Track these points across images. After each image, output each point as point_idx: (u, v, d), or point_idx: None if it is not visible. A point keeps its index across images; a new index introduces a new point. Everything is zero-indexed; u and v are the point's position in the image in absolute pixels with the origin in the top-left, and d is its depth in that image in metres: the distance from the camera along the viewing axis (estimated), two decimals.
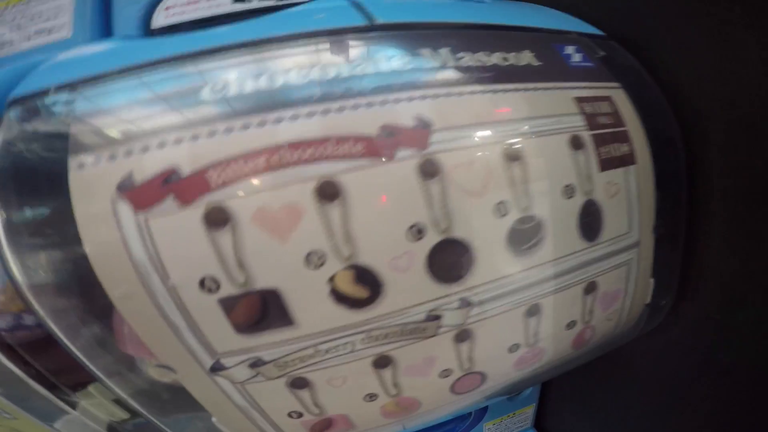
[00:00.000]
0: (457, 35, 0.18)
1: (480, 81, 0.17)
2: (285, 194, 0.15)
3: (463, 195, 0.17)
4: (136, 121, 0.15)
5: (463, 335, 0.21)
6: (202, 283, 0.16)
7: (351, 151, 0.15)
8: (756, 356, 0.24)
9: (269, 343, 0.18)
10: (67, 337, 0.17)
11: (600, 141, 0.19)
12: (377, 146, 0.16)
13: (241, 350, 0.18)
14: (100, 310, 0.17)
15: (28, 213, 0.15)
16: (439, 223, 0.17)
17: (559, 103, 0.18)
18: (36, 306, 0.16)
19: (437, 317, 0.19)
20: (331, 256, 0.16)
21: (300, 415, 0.22)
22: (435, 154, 0.16)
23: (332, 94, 0.16)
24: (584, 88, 0.19)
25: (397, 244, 0.17)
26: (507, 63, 0.18)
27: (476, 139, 0.17)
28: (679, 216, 0.23)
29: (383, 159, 0.16)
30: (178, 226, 0.15)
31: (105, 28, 0.21)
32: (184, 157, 0.15)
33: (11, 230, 0.15)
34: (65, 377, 0.21)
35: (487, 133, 0.17)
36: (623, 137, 0.20)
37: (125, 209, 0.14)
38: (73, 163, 0.15)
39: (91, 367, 0.18)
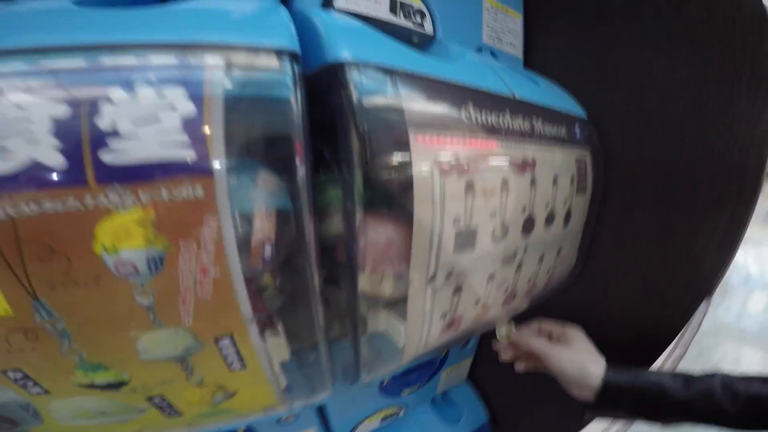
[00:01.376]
0: (543, 113, 0.41)
1: (549, 142, 0.40)
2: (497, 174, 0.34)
3: (540, 196, 0.39)
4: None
5: (518, 267, 0.41)
6: (454, 221, 0.32)
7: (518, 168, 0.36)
8: (623, 304, 0.50)
9: (460, 259, 0.34)
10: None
11: (578, 180, 0.44)
12: (523, 167, 0.36)
13: (447, 264, 0.34)
14: (402, 231, 0.31)
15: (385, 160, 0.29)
16: (529, 206, 0.38)
17: (570, 158, 0.43)
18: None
19: (516, 254, 0.39)
20: (498, 214, 0.35)
21: (445, 316, 0.37)
22: (536, 176, 0.38)
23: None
24: (579, 150, 0.44)
25: (519, 212, 0.37)
26: (558, 134, 0.41)
27: (547, 171, 0.39)
28: (592, 222, 0.50)
29: (526, 172, 0.36)
30: (456, 187, 0.32)
31: None
32: (462, 152, 0.32)
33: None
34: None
35: (551, 169, 0.40)
36: (584, 179, 0.46)
37: (437, 173, 0.30)
38: (412, 136, 0.29)
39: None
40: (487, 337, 0.69)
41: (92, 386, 0.25)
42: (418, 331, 0.36)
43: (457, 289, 0.36)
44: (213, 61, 0.23)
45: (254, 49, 0.25)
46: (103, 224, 0.20)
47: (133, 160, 0.20)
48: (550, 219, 0.42)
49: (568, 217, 0.45)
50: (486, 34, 0.46)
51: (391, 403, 0.65)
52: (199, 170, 0.21)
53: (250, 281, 0.25)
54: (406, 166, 0.29)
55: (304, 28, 0.29)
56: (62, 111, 0.20)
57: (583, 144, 0.45)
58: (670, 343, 0.51)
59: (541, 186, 0.39)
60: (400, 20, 0.42)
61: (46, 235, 0.19)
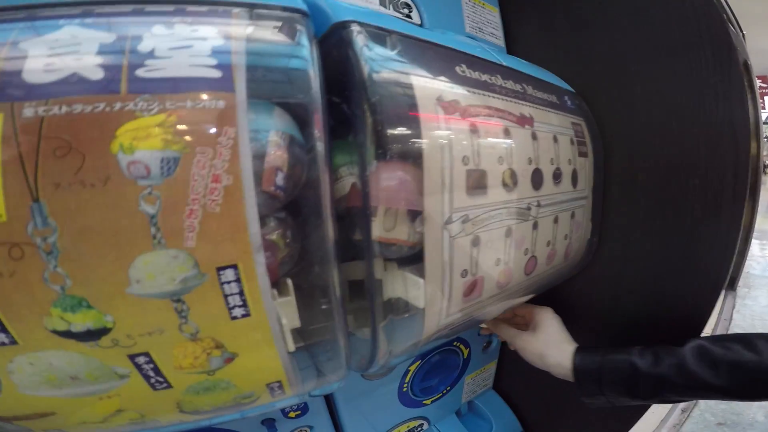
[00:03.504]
0: (533, 81, 0.43)
1: (543, 104, 0.41)
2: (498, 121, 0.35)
3: (543, 150, 0.39)
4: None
5: (535, 224, 0.40)
6: (463, 159, 0.32)
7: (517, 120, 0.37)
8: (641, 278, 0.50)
9: (474, 205, 0.34)
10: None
11: (578, 143, 0.45)
12: (522, 121, 0.37)
13: (463, 208, 0.33)
14: (413, 169, 0.30)
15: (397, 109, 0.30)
16: (535, 159, 0.38)
17: (565, 122, 0.44)
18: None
19: (530, 208, 0.39)
20: (505, 161, 0.35)
21: (465, 274, 0.35)
22: (536, 131, 0.39)
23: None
24: (573, 117, 0.46)
25: (526, 163, 0.37)
26: (550, 99, 0.43)
27: (546, 129, 0.40)
28: (601, 188, 0.50)
29: (525, 127, 0.37)
30: (460, 127, 0.32)
31: None
32: (462, 98, 0.33)
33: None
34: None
35: (549, 127, 0.41)
36: (585, 144, 0.46)
37: (441, 110, 0.31)
38: (414, 79, 0.31)
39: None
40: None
41: (68, 334, 0.22)
42: (438, 289, 0.34)
43: (476, 241, 0.35)
44: (237, 10, 0.26)
45: (269, 6, 0.28)
46: (125, 126, 0.21)
47: (164, 75, 0.22)
48: (557, 176, 0.42)
49: (575, 177, 0.45)
50: (468, 25, 0.51)
51: (412, 416, 0.60)
52: (223, 87, 0.23)
53: (262, 205, 0.24)
54: (411, 104, 0.30)
55: (312, 10, 0.33)
56: (109, 38, 0.22)
57: (576, 112, 0.47)
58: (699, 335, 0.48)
59: (543, 141, 0.40)
60: (390, 11, 0.45)
61: (68, 131, 0.20)
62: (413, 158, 0.30)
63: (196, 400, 0.28)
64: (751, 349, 0.38)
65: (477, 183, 0.34)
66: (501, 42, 0.54)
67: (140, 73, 0.22)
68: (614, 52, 0.48)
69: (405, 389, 0.58)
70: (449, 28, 0.49)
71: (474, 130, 0.34)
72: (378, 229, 0.31)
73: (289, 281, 0.29)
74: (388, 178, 0.30)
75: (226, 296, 0.24)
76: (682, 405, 0.68)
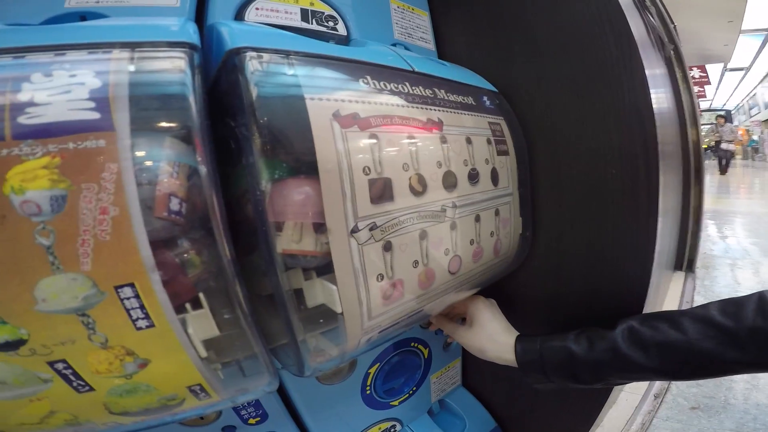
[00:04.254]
0: (447, 84, 0.44)
1: (456, 107, 0.43)
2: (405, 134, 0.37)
3: (454, 153, 0.41)
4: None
5: (453, 225, 0.42)
6: (364, 169, 0.34)
7: (422, 126, 0.38)
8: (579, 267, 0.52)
9: (381, 212, 0.36)
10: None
11: (497, 142, 0.47)
12: (429, 126, 0.39)
13: (368, 216, 0.35)
14: (310, 183, 0.33)
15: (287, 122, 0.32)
16: (445, 162, 0.40)
17: (482, 122, 0.46)
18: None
19: (444, 210, 0.41)
20: (411, 167, 0.37)
21: (381, 278, 0.37)
22: (445, 134, 0.40)
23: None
24: (491, 117, 0.48)
25: (435, 167, 0.39)
26: (465, 101, 0.45)
27: (457, 131, 0.42)
28: (527, 183, 0.52)
29: (433, 131, 0.39)
30: (359, 139, 0.34)
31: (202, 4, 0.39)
32: (362, 110, 0.35)
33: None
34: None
35: (462, 130, 0.42)
36: (504, 143, 0.48)
37: (336, 125, 0.33)
38: (307, 98, 0.33)
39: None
40: None
41: None
42: (353, 293, 0.36)
43: (387, 246, 0.37)
44: (118, 50, 0.28)
45: (155, 43, 0.30)
46: (14, 169, 0.24)
47: (45, 121, 0.25)
48: (473, 176, 0.44)
49: (494, 176, 0.46)
50: (397, 32, 0.52)
51: (381, 418, 0.62)
52: (102, 126, 0.25)
53: (153, 231, 0.27)
54: (303, 122, 0.32)
55: (213, 37, 0.35)
56: None
57: (495, 112, 0.49)
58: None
59: (454, 143, 0.42)
60: (314, 26, 0.47)
61: None
62: (307, 173, 0.32)
63: (121, 401, 0.31)
64: (677, 329, 0.39)
65: (382, 191, 0.36)
66: (431, 45, 0.56)
67: (22, 120, 0.24)
68: (532, 50, 0.49)
69: (368, 392, 0.60)
70: (377, 36, 0.51)
71: (375, 140, 0.36)
72: (286, 242, 0.33)
73: (202, 295, 0.31)
74: (284, 195, 0.32)
75: (128, 310, 0.27)
76: (654, 391, 0.69)
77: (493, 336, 0.47)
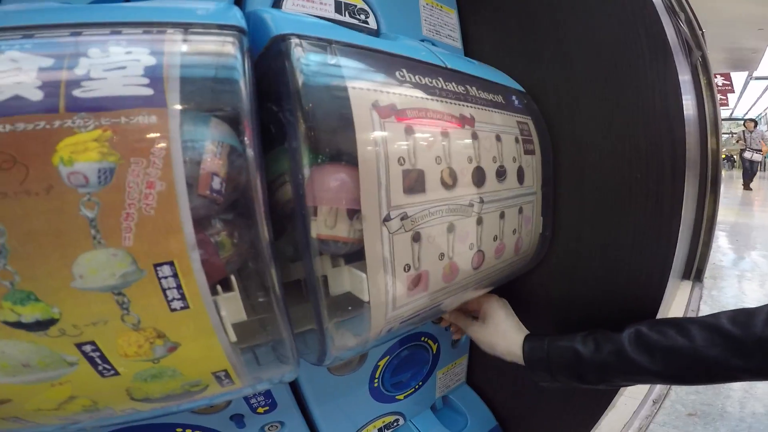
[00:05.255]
0: (478, 82, 0.45)
1: (486, 105, 0.43)
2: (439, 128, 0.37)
3: (484, 149, 0.41)
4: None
5: (479, 220, 0.42)
6: (399, 160, 0.34)
7: (455, 121, 0.39)
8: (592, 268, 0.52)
9: (412, 203, 0.36)
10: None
11: (524, 141, 0.47)
12: (461, 122, 0.39)
13: (400, 206, 0.35)
14: (348, 170, 0.33)
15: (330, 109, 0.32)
16: (475, 158, 0.40)
17: (510, 121, 0.46)
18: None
19: (472, 204, 0.41)
20: (444, 161, 0.38)
21: (408, 268, 0.37)
22: (476, 131, 0.41)
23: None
24: (519, 116, 0.48)
25: (466, 162, 0.39)
26: (495, 100, 0.45)
27: (488, 128, 0.42)
28: (550, 183, 0.52)
29: (465, 127, 0.39)
30: (396, 129, 0.34)
31: None
32: (399, 102, 0.35)
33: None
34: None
35: (492, 127, 0.42)
36: (531, 142, 0.48)
37: (376, 114, 0.33)
38: (349, 86, 0.33)
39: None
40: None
41: (18, 325, 0.25)
42: (381, 281, 0.36)
43: (416, 237, 0.37)
44: (171, 30, 0.29)
45: (206, 25, 0.30)
46: (65, 141, 0.24)
47: (99, 95, 0.25)
48: (501, 173, 0.44)
49: (520, 174, 0.47)
50: (425, 28, 0.52)
51: (386, 411, 0.62)
52: (155, 103, 0.26)
53: (195, 208, 0.27)
54: (345, 110, 0.32)
55: (255, 22, 0.35)
56: (47, 63, 0.25)
57: (522, 111, 0.49)
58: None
59: (484, 140, 0.42)
60: (346, 18, 0.47)
61: (12, 147, 0.23)
62: (347, 160, 0.33)
63: (145, 386, 0.30)
64: (685, 335, 0.39)
65: (414, 182, 0.36)
66: (458, 44, 0.56)
67: (77, 93, 0.24)
68: (561, 50, 0.49)
69: (376, 384, 0.60)
70: (406, 32, 0.51)
71: (410, 132, 0.36)
72: (320, 227, 0.33)
73: (233, 278, 0.31)
74: (322, 180, 0.32)
75: (164, 290, 0.27)
76: (653, 396, 0.70)
77: (505, 333, 0.48)
